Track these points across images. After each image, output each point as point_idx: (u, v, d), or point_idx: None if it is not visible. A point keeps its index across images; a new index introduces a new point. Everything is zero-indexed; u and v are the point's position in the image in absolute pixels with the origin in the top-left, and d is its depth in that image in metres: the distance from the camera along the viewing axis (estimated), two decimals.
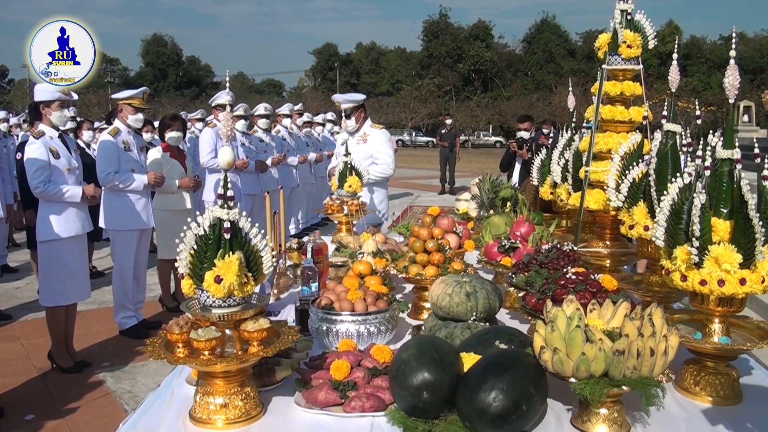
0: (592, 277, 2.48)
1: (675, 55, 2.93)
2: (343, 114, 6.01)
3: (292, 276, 3.71)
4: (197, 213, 2.23)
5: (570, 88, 4.24)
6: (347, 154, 5.14)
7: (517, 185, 7.69)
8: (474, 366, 2.05)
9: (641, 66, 3.37)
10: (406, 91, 57.17)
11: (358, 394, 2.16)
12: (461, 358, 2.11)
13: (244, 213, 2.17)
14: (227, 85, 2.52)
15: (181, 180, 6.84)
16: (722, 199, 2.22)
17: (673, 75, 2.93)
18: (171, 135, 7.07)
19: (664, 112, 2.78)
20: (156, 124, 9.12)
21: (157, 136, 8.36)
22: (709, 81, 53.68)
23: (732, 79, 2.29)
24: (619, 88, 3.32)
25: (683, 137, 2.71)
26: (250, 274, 2.13)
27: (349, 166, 5.07)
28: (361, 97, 6.13)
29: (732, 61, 2.30)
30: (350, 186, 4.99)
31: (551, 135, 7.94)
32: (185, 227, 2.14)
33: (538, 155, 4.34)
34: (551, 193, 3.99)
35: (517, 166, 8.71)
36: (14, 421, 4.65)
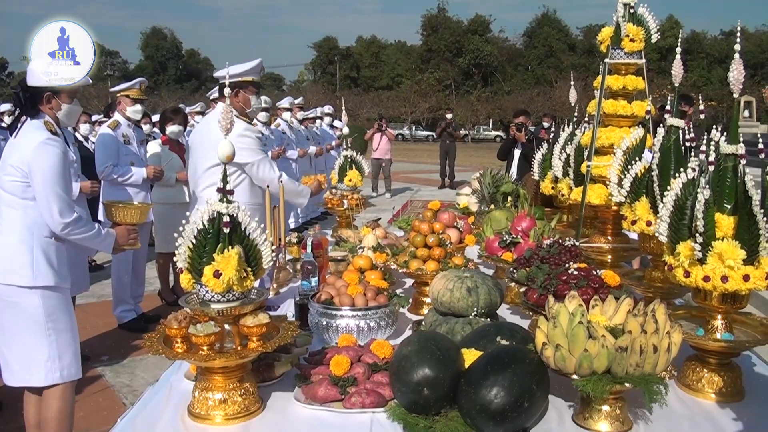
0: (595, 272, 2.47)
1: (678, 49, 2.90)
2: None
3: (291, 270, 3.69)
4: (196, 207, 2.21)
5: (572, 82, 4.22)
6: (347, 147, 5.11)
7: (515, 176, 7.68)
8: (475, 362, 2.03)
9: (644, 60, 3.35)
10: (406, 85, 57.03)
11: (358, 389, 2.14)
12: (462, 354, 2.10)
13: (243, 207, 2.15)
14: (227, 74, 2.49)
15: (179, 173, 6.81)
16: (726, 194, 2.20)
17: (677, 69, 2.91)
18: (172, 129, 7.05)
19: (667, 107, 2.76)
20: (155, 117, 9.10)
21: (156, 129, 8.32)
22: (710, 76, 53.61)
23: (737, 73, 2.27)
24: (621, 83, 3.30)
25: (686, 132, 2.69)
26: (249, 269, 2.11)
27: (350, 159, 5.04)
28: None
29: (737, 55, 2.28)
30: (350, 180, 4.97)
31: (552, 129, 7.92)
32: (184, 220, 2.13)
33: (539, 149, 4.32)
34: (552, 187, 3.97)
35: (516, 156, 8.68)
36: (13, 414, 4.63)
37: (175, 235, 2.14)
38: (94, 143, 7.70)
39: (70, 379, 3.47)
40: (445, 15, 62.09)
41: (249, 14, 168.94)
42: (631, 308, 2.06)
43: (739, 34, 2.39)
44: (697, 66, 56.03)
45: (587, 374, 1.89)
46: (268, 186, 3.92)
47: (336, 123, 14.50)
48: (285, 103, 11.61)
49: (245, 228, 2.13)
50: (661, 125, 2.73)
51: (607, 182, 3.11)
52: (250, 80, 4.26)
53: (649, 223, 2.66)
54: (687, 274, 2.18)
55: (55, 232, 3.33)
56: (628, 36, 3.27)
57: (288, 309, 3.16)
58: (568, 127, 3.89)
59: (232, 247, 2.06)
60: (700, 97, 3.18)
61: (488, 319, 2.54)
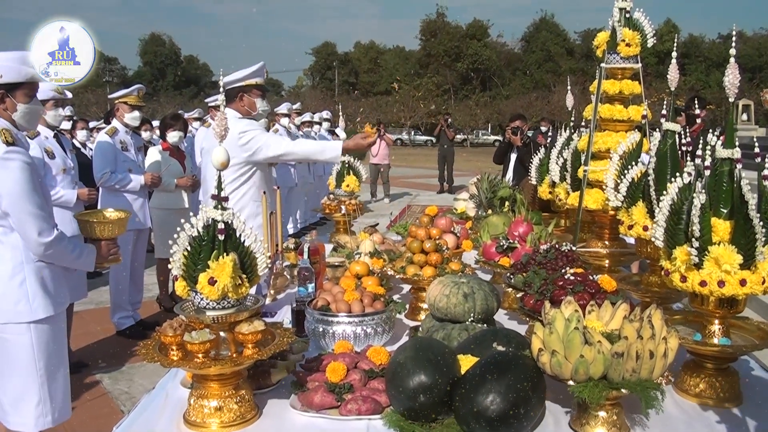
0: (591, 277, 2.46)
1: (674, 53, 2.90)
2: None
3: (289, 276, 3.69)
4: (191, 214, 2.20)
5: (569, 87, 4.22)
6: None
7: (512, 179, 7.68)
8: (471, 368, 2.03)
9: (640, 64, 3.35)
10: (404, 90, 57.12)
11: (354, 396, 2.13)
12: (458, 360, 2.09)
13: (238, 213, 2.15)
14: (221, 84, 2.49)
15: (179, 179, 6.83)
16: (722, 198, 2.19)
17: (673, 73, 2.91)
18: (172, 135, 7.07)
19: (663, 111, 2.76)
20: (155, 123, 9.10)
21: (156, 136, 8.32)
22: (708, 80, 53.65)
23: (732, 77, 2.26)
24: (617, 87, 3.30)
25: (683, 136, 2.69)
26: (244, 276, 2.11)
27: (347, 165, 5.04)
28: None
29: (732, 60, 2.27)
30: (348, 185, 4.97)
31: (549, 133, 7.91)
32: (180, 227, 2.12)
33: (536, 154, 4.32)
34: (550, 192, 3.97)
35: (512, 160, 8.68)
36: None
37: (170, 242, 2.13)
38: (92, 150, 7.70)
39: (62, 421, 3.14)
40: (443, 20, 62.23)
41: (247, 20, 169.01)
42: (627, 314, 2.05)
43: (734, 38, 2.39)
44: (695, 70, 56.15)
45: (583, 380, 1.89)
46: (277, 187, 3.90)
47: (337, 131, 14.54)
48: (283, 108, 11.61)
49: (240, 235, 2.13)
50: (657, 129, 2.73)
51: (604, 187, 3.10)
52: (254, 83, 4.25)
53: (645, 228, 2.66)
54: (684, 278, 2.17)
55: (36, 255, 2.97)
56: (624, 40, 3.27)
57: (285, 315, 3.15)
58: (565, 131, 3.89)
59: (227, 254, 2.06)
60: (696, 102, 3.18)
61: (485, 325, 2.54)
